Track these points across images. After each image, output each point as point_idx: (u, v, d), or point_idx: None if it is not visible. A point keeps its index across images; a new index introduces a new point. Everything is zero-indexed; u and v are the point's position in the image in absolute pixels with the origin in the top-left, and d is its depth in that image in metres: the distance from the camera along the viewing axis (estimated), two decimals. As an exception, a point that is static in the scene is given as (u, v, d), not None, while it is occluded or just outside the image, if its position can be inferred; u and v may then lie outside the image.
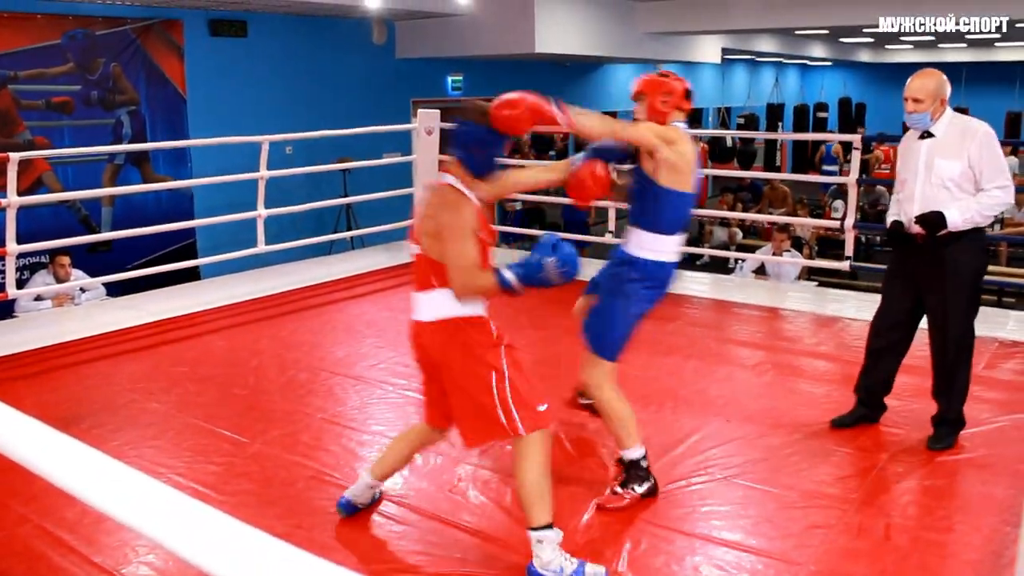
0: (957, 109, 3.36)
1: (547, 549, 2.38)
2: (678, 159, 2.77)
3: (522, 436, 2.41)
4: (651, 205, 2.83)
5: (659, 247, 2.85)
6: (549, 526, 2.39)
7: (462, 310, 2.48)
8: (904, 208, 3.30)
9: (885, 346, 3.44)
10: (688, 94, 2.89)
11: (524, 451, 2.42)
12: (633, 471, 2.89)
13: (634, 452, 2.89)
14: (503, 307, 5.32)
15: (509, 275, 2.40)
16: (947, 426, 3.35)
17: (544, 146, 13.39)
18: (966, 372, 3.32)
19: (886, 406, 3.58)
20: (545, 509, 2.39)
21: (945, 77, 3.28)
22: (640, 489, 2.88)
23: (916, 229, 3.21)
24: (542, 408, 2.45)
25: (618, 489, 2.89)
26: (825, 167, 14.31)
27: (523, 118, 2.46)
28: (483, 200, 2.50)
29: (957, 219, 3.13)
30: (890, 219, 3.38)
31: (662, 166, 2.76)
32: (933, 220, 3.15)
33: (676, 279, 2.96)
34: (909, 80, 3.27)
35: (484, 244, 2.45)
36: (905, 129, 3.41)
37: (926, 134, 3.24)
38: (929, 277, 3.26)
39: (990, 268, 10.27)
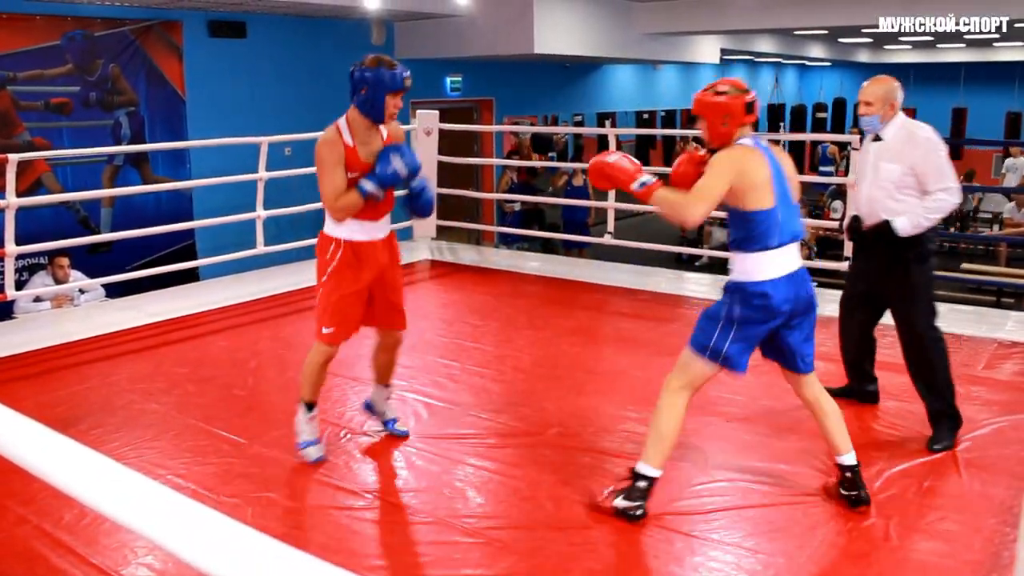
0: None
1: (299, 419, 3.23)
2: (744, 183, 2.68)
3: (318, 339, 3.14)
4: (735, 227, 2.79)
5: (749, 267, 2.75)
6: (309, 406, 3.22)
7: (333, 229, 3.10)
8: (856, 206, 3.56)
9: (846, 320, 3.72)
10: (750, 107, 2.76)
11: (312, 349, 3.18)
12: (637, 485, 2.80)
13: (650, 470, 2.79)
14: (503, 308, 5.30)
15: (366, 185, 2.97)
16: (942, 425, 3.36)
17: (543, 146, 13.39)
18: (943, 368, 3.38)
19: (873, 385, 3.78)
20: (309, 391, 3.22)
21: (898, 84, 3.41)
22: (622, 505, 2.77)
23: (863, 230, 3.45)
24: (326, 331, 3.11)
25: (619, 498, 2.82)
26: (821, 168, 14.31)
27: (598, 182, 2.85)
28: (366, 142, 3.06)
29: (907, 226, 3.29)
30: (850, 215, 3.62)
31: (733, 195, 2.71)
32: (883, 231, 3.33)
33: (795, 297, 2.75)
34: (863, 85, 3.44)
35: (349, 170, 3.02)
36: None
37: (877, 137, 3.41)
38: (883, 280, 3.45)
39: (990, 268, 10.31)
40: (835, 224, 6.41)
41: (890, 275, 3.41)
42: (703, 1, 10.44)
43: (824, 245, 10.53)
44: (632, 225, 11.44)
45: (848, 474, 2.86)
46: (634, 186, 2.75)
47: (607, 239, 6.63)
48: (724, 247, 11.69)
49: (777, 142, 2.96)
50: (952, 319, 5.07)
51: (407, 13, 8.94)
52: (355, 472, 3.22)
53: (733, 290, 2.76)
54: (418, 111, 7.06)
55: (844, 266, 5.87)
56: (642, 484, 2.77)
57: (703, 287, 6.22)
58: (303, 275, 6.31)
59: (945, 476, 3.10)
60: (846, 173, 5.82)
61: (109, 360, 4.51)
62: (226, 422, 3.64)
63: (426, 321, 4.92)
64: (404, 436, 3.46)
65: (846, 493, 2.85)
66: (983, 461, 3.20)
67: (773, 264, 2.72)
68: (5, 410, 1.52)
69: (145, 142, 7.86)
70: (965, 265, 10.25)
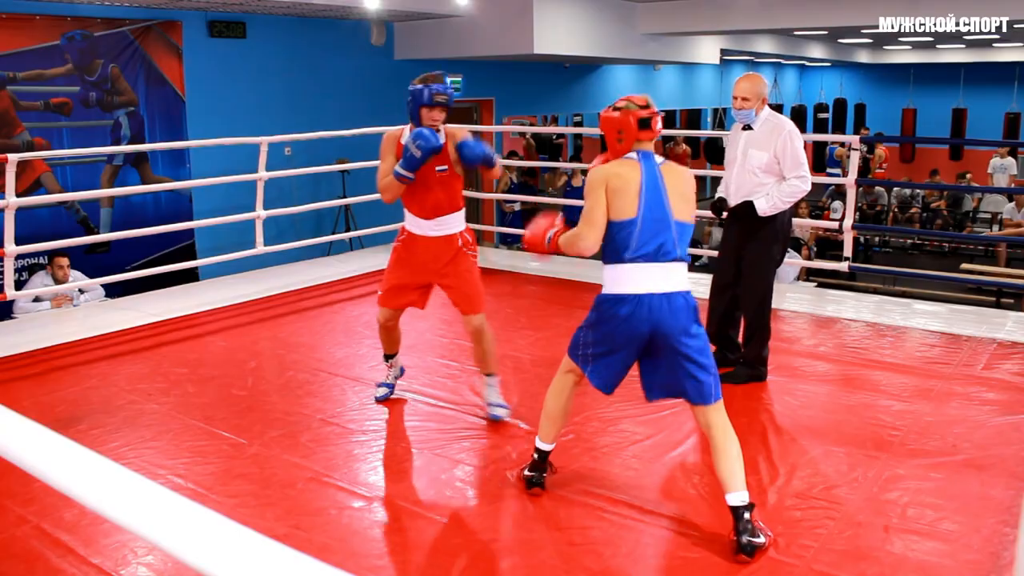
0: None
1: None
2: (610, 194, 2.69)
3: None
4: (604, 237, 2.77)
5: (606, 277, 2.76)
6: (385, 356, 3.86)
7: (404, 219, 3.61)
8: (725, 188, 4.02)
9: (717, 296, 4.14)
10: (644, 123, 2.73)
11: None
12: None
13: (543, 445, 2.99)
14: (503, 308, 5.31)
15: (397, 168, 3.36)
16: (748, 367, 4.02)
17: (541, 146, 13.38)
18: (767, 320, 4.00)
19: (739, 347, 4.16)
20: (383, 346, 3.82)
21: (766, 80, 3.95)
22: (526, 474, 2.99)
23: (728, 209, 3.94)
24: (380, 292, 3.67)
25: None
26: (828, 170, 14.29)
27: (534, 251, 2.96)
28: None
29: (765, 207, 3.82)
30: (718, 194, 4.10)
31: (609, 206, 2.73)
32: (746, 211, 3.85)
33: (657, 321, 2.66)
34: (736, 81, 3.91)
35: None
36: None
37: (748, 127, 3.87)
38: (742, 246, 3.98)
39: (989, 268, 10.31)
40: (835, 224, 6.41)
41: (748, 247, 3.93)
42: (703, 1, 10.43)
43: (824, 245, 10.53)
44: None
45: (733, 515, 2.59)
46: (547, 243, 2.86)
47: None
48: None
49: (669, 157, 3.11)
50: (952, 319, 5.08)
51: (407, 13, 8.93)
52: (355, 472, 3.22)
53: (596, 299, 2.78)
54: (418, 111, 7.05)
55: (843, 267, 5.88)
56: (537, 456, 2.99)
57: (702, 287, 6.22)
58: (303, 275, 6.33)
59: (944, 476, 3.10)
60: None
61: (108, 360, 4.51)
62: (226, 422, 3.64)
63: (426, 321, 4.92)
64: (497, 420, 3.60)
65: (733, 537, 2.58)
66: (983, 461, 3.20)
67: (628, 278, 2.66)
68: (5, 410, 1.51)
69: (145, 142, 7.85)
70: (965, 265, 10.25)
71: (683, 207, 2.72)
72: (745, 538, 2.54)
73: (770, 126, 3.83)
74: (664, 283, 2.65)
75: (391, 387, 3.90)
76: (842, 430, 3.50)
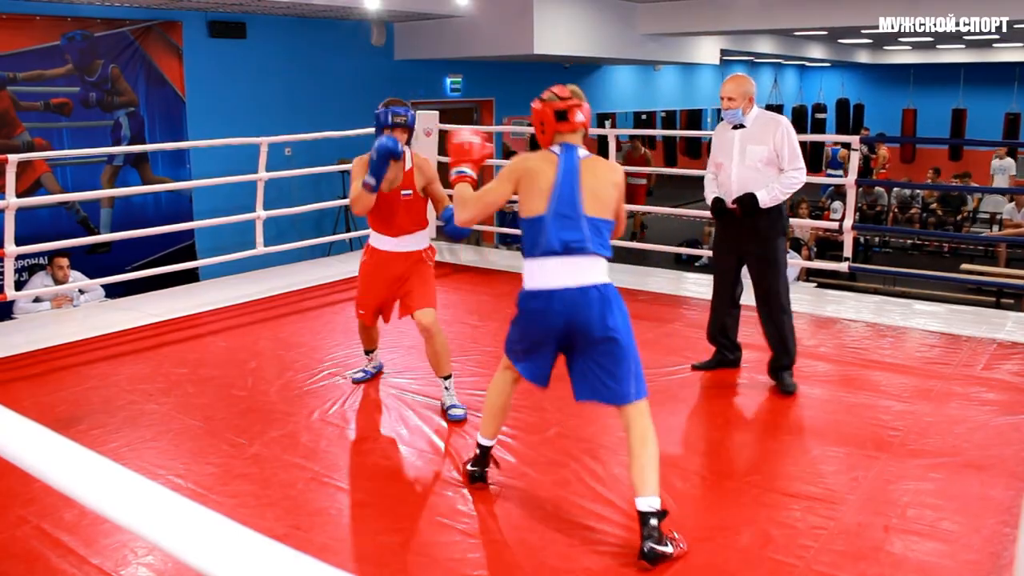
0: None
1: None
2: (521, 188, 2.73)
3: None
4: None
5: (524, 272, 2.75)
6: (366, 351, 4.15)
7: (370, 237, 3.86)
8: (723, 186, 4.01)
9: (718, 297, 4.18)
10: (561, 115, 2.73)
11: None
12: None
13: (484, 440, 3.04)
14: (502, 308, 5.31)
15: (365, 178, 3.52)
16: (786, 374, 3.95)
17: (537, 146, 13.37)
18: (790, 319, 3.98)
19: (739, 348, 4.24)
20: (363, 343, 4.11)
21: (752, 80, 4.00)
22: (470, 468, 3.06)
23: (734, 207, 3.91)
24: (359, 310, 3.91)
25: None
26: (830, 171, 14.28)
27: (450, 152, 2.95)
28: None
29: (766, 199, 3.86)
30: (709, 197, 4.08)
31: (519, 200, 2.78)
32: (748, 202, 3.87)
33: (570, 317, 2.64)
34: (723, 83, 3.99)
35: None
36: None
37: (739, 126, 3.94)
38: (745, 244, 3.98)
39: (989, 269, 10.31)
40: (835, 225, 6.41)
41: (755, 245, 3.95)
42: (703, 2, 10.44)
43: (824, 246, 10.53)
44: (631, 226, 11.45)
45: (640, 520, 2.53)
46: (453, 171, 2.88)
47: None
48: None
49: (602, 151, 3.09)
50: (952, 320, 5.08)
51: (407, 14, 8.94)
52: (355, 472, 3.22)
53: (518, 294, 2.79)
54: (418, 112, 7.05)
55: (843, 267, 5.88)
56: (479, 452, 3.05)
57: (702, 288, 6.22)
58: (303, 275, 6.33)
59: (944, 476, 3.10)
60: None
61: (109, 360, 4.51)
62: (226, 422, 3.64)
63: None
64: (456, 421, 3.64)
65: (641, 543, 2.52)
66: (983, 461, 3.20)
67: (540, 273, 2.66)
68: (5, 411, 1.51)
69: (145, 142, 7.86)
70: (964, 266, 10.25)
71: (598, 204, 2.68)
72: (648, 545, 2.48)
73: (764, 120, 3.92)
74: (577, 277, 2.63)
75: (369, 373, 4.19)
76: (842, 430, 3.50)
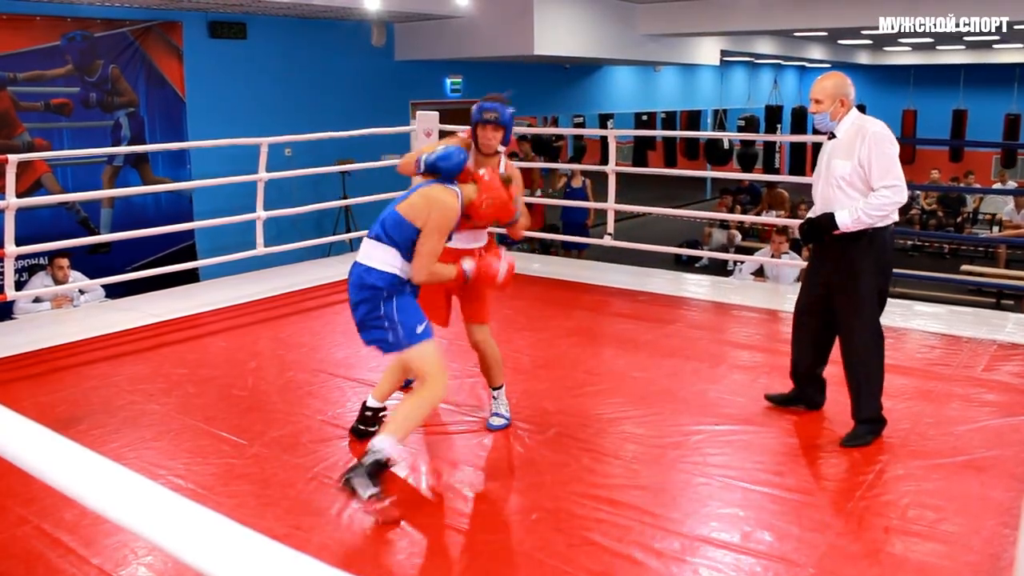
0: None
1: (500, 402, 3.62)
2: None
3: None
4: None
5: None
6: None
7: None
8: (814, 207, 3.46)
9: (799, 330, 3.61)
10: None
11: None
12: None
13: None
14: (502, 308, 5.31)
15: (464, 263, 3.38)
16: (864, 425, 3.39)
17: (539, 147, 13.37)
18: (878, 371, 3.39)
19: (822, 393, 3.67)
20: None
21: (848, 79, 3.42)
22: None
23: (804, 227, 3.43)
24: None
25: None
26: None
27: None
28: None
29: (847, 220, 3.25)
30: (807, 216, 3.52)
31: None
32: (824, 223, 3.31)
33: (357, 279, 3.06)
34: (815, 81, 3.45)
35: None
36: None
37: (832, 135, 3.37)
38: (834, 277, 3.40)
39: (989, 270, 10.31)
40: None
41: (837, 279, 3.38)
42: (703, 3, 10.44)
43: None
44: (631, 226, 11.45)
45: (366, 450, 2.82)
46: (465, 270, 3.21)
47: (606, 240, 6.63)
48: (724, 248, 11.72)
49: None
50: (952, 321, 5.09)
51: (407, 14, 8.94)
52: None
53: None
54: (418, 112, 7.06)
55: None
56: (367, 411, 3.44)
57: (703, 288, 6.23)
58: (303, 276, 6.33)
59: (944, 477, 3.10)
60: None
61: (109, 361, 4.51)
62: (226, 422, 3.64)
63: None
64: (492, 429, 3.56)
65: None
66: (983, 462, 3.20)
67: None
68: (5, 411, 1.51)
69: (145, 143, 7.86)
70: (964, 267, 10.26)
71: (406, 212, 3.04)
72: (353, 475, 2.74)
73: (854, 130, 3.29)
74: (364, 256, 3.06)
75: (505, 418, 3.64)
76: (842, 431, 3.49)
